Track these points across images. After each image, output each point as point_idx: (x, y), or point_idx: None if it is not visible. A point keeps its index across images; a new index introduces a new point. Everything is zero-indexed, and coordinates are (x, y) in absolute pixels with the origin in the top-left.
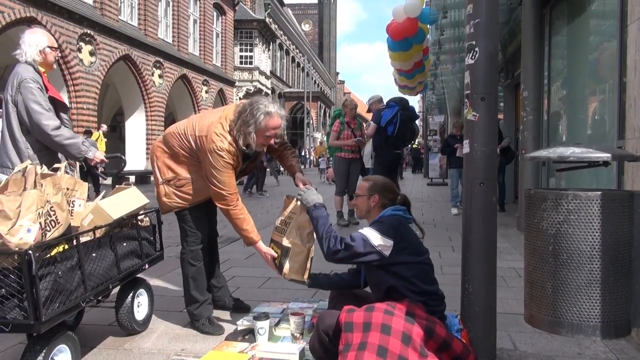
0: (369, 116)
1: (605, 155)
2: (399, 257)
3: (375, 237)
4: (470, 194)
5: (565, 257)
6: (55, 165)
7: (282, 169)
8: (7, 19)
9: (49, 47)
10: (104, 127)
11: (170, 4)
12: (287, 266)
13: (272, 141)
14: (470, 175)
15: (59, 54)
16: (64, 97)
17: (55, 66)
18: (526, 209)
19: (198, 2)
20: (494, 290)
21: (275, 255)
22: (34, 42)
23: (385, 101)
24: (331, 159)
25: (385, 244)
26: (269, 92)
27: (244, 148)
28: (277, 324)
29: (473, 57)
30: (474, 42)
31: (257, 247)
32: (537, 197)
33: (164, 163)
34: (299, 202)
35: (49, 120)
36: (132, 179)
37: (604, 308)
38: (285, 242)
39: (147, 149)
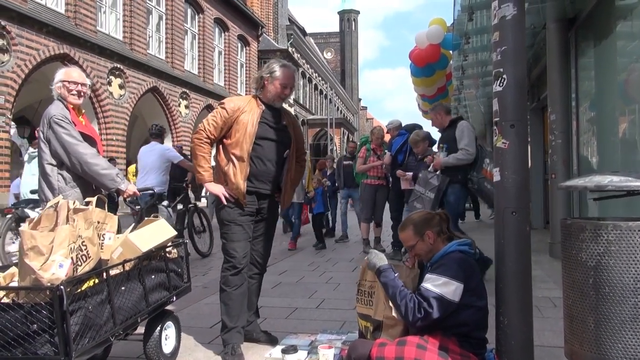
0: (388, 138)
1: None
2: (464, 299)
3: (447, 288)
4: (503, 223)
5: (607, 291)
6: (87, 199)
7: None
8: (42, 56)
9: (61, 81)
10: None
11: (196, 37)
12: None
13: (286, 92)
14: (502, 203)
15: (82, 89)
16: (95, 128)
17: (74, 99)
18: (563, 240)
19: (223, 34)
20: (531, 322)
21: None
22: (54, 78)
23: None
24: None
25: (457, 290)
26: None
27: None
28: (305, 358)
29: (501, 85)
30: (501, 70)
31: (207, 186)
32: (575, 227)
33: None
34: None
35: (86, 149)
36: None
37: None
38: (377, 316)
39: None
